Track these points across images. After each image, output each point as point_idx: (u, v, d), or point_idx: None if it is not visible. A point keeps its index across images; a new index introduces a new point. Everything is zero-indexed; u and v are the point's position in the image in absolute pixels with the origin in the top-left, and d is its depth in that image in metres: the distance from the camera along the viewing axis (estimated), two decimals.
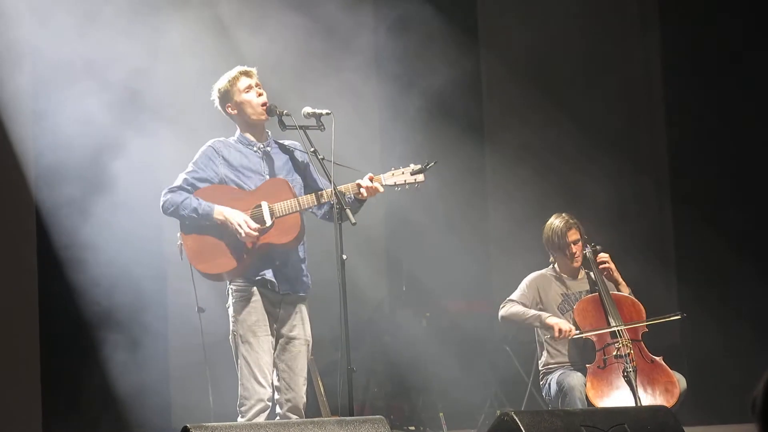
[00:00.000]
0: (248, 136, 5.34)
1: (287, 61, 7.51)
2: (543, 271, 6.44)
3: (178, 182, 5.22)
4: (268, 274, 5.19)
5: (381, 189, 5.21)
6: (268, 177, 5.28)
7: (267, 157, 5.32)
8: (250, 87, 5.28)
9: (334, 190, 5.03)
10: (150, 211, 7.17)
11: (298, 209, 5.17)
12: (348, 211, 4.99)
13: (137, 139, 6.83)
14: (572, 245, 6.33)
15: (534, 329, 6.38)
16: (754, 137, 8.79)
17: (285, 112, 5.22)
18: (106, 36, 6.90)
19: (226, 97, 5.32)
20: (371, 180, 5.19)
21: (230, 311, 5.21)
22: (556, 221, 6.40)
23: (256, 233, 5.10)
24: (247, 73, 5.33)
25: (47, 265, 7.11)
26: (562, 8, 9.30)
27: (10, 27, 6.84)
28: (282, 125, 5.22)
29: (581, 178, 9.14)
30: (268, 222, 5.14)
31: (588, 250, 6.41)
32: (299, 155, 5.40)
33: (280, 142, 5.43)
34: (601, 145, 9.27)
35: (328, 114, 5.19)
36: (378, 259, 8.59)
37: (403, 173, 5.27)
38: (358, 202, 5.26)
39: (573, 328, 6.06)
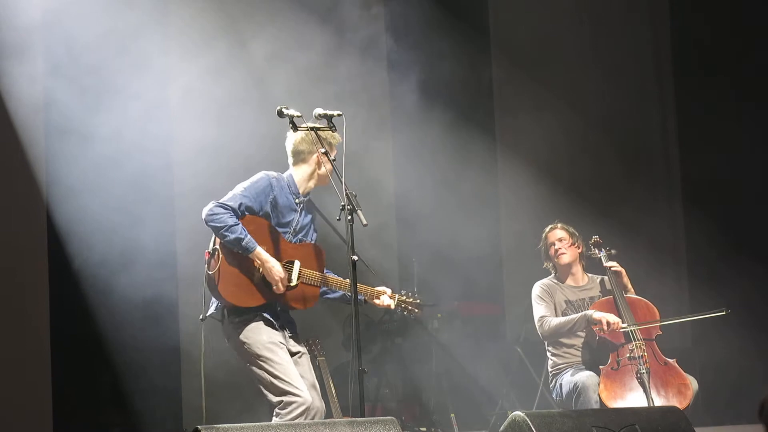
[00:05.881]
0: (298, 185, 5.40)
1: (299, 62, 7.53)
2: (545, 280, 6.50)
3: (232, 203, 5.19)
4: (269, 315, 5.29)
5: (393, 306, 5.50)
6: (293, 230, 5.36)
7: (301, 214, 5.40)
8: (328, 161, 5.22)
9: (345, 190, 5.03)
10: (165, 214, 7.20)
11: (322, 285, 5.34)
12: (360, 212, 5.01)
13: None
14: (557, 242, 6.43)
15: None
16: (765, 136, 8.77)
17: (297, 113, 5.22)
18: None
19: (299, 154, 5.38)
20: (390, 297, 5.47)
21: (241, 338, 5.22)
22: (545, 230, 6.52)
23: (285, 289, 5.22)
24: (331, 146, 5.28)
25: (58, 264, 7.12)
26: (573, 11, 9.31)
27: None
28: (294, 127, 5.22)
29: (592, 181, 9.13)
30: (294, 282, 5.27)
31: (603, 254, 6.44)
32: (316, 214, 5.52)
33: (309, 199, 5.49)
34: (612, 145, 9.26)
35: (339, 115, 5.18)
36: (389, 261, 8.59)
37: (412, 301, 5.59)
38: (365, 302, 5.43)
39: (619, 321, 6.05)
